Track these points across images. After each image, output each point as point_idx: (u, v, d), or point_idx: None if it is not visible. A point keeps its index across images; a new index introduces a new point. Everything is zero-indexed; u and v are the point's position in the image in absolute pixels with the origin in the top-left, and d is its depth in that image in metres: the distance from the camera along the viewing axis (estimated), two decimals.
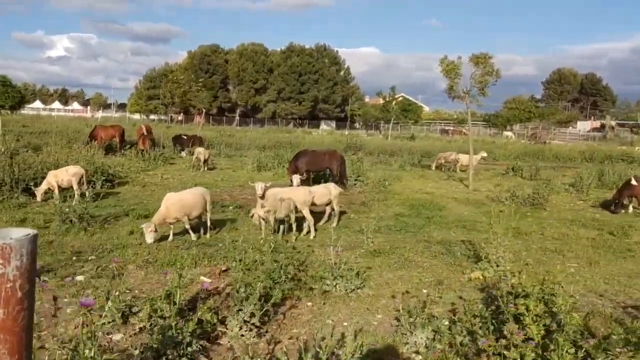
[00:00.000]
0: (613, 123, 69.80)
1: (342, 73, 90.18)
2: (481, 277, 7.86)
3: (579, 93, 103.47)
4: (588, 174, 19.18)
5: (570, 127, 76.53)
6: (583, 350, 4.32)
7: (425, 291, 7.35)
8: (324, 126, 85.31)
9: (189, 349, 4.80)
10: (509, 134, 62.66)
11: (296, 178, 12.78)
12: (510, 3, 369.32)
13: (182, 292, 6.59)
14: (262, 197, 9.49)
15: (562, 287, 5.31)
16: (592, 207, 15.37)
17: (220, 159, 26.02)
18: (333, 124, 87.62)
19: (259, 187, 9.46)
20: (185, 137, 26.35)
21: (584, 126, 77.93)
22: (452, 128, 71.36)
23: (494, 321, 5.40)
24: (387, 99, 54.53)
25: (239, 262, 7.11)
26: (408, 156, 29.13)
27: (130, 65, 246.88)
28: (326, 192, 11.40)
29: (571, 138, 63.01)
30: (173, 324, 4.85)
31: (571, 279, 8.18)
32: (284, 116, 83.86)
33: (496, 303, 5.83)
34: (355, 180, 17.22)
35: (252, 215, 9.90)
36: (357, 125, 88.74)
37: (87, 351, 3.34)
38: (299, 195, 10.40)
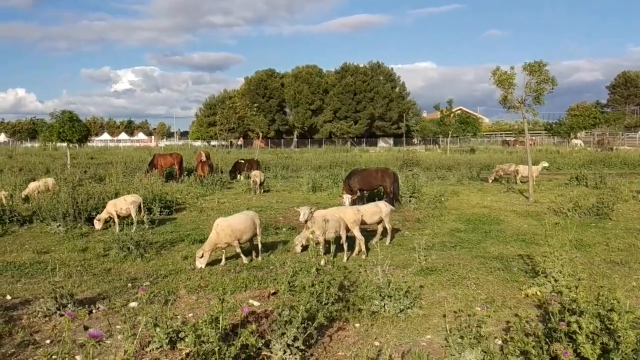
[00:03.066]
0: None
1: (397, 89, 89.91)
2: (538, 293, 7.53)
3: None
4: None
5: None
6: None
7: (478, 309, 7.10)
8: (381, 143, 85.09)
9: None
10: (578, 142, 60.42)
11: (347, 198, 12.71)
12: (571, 7, 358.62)
13: (230, 316, 6.67)
14: (306, 222, 9.42)
15: (619, 302, 4.99)
16: None
17: (277, 181, 26.30)
18: (391, 140, 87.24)
19: (303, 213, 9.39)
20: (242, 162, 26.83)
21: None
22: (513, 139, 69.52)
23: (547, 340, 5.13)
24: (444, 113, 53.79)
25: (287, 285, 7.11)
26: (466, 170, 28.50)
27: (191, 94, 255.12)
28: (377, 210, 11.29)
29: None
30: (216, 349, 4.87)
31: (637, 292, 7.74)
32: (341, 136, 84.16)
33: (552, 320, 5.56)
34: (410, 196, 16.97)
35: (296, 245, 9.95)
36: (415, 140, 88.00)
37: None
38: (347, 214, 10.34)
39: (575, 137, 60.68)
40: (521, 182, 23.07)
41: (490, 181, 24.29)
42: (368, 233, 11.88)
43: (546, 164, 23.90)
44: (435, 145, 74.46)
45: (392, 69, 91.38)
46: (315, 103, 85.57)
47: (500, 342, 5.88)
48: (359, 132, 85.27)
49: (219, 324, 5.39)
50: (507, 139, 72.93)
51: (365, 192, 17.13)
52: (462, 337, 5.25)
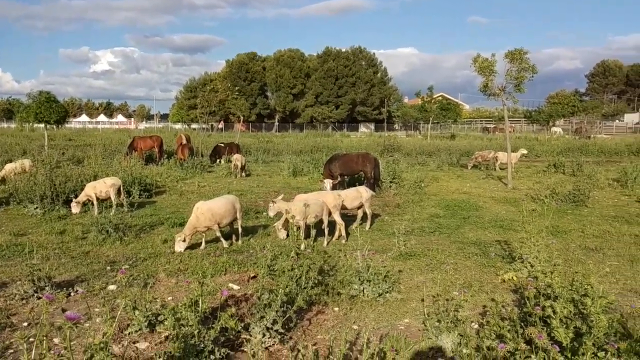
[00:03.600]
0: None
1: (379, 75, 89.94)
2: (515, 279, 7.66)
3: (624, 85, 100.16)
4: (633, 168, 18.51)
5: (617, 120, 74.14)
6: (611, 353, 4.13)
7: (456, 294, 7.20)
8: (362, 129, 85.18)
9: (212, 356, 4.82)
10: (557, 129, 61.10)
11: (328, 182, 12.73)
12: None
13: (210, 299, 6.68)
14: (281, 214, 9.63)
15: (593, 287, 5.10)
16: (638, 202, 14.82)
17: (258, 166, 26.24)
18: (372, 126, 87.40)
19: (272, 208, 9.74)
20: (222, 146, 26.67)
21: (631, 119, 75.39)
22: (493, 126, 70.08)
23: (522, 324, 5.23)
24: (425, 99, 53.99)
25: (266, 268, 7.13)
26: (446, 156, 28.70)
27: (171, 76, 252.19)
28: (357, 195, 11.33)
29: (618, 131, 61.03)
30: (195, 332, 4.88)
31: (610, 278, 7.92)
32: (322, 120, 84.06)
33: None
34: (390, 182, 17.06)
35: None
36: (396, 126, 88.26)
37: None
38: (328, 199, 10.36)
39: (554, 125, 61.35)
40: (500, 168, 23.32)
41: (469, 167, 24.51)
42: (348, 218, 11.94)
43: (525, 151, 24.16)
44: (416, 131, 74.74)
45: (374, 54, 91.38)
46: (297, 87, 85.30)
47: (476, 326, 5.98)
48: (341, 116, 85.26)
49: (198, 307, 5.40)
50: (487, 125, 73.45)
51: (346, 177, 17.18)
52: (439, 321, 5.34)
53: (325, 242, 9.99)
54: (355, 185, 14.68)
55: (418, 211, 13.66)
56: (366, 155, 16.89)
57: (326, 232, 10.11)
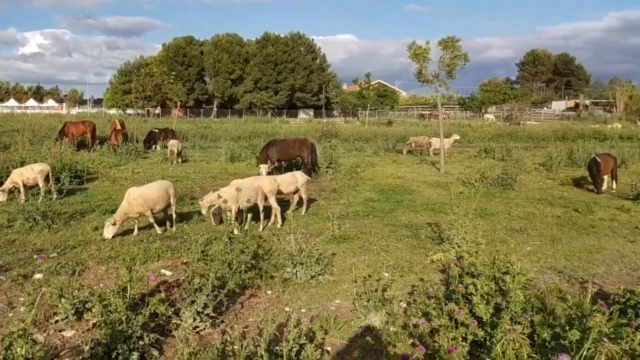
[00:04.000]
0: (587, 102, 70.62)
1: (317, 61, 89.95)
2: (442, 259, 7.94)
3: (553, 73, 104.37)
4: (558, 153, 19.42)
5: (545, 108, 77.33)
6: (525, 326, 4.38)
7: (387, 274, 7.41)
8: (302, 115, 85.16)
9: (140, 342, 4.78)
10: (490, 116, 63.11)
11: (264, 167, 12.73)
12: None
13: (141, 286, 6.61)
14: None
15: (512, 265, 5.36)
16: (561, 186, 15.59)
17: (195, 152, 25.88)
18: (311, 112, 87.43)
19: (202, 208, 9.76)
20: (157, 131, 26.09)
21: (558, 106, 78.83)
22: (428, 112, 71.61)
23: (447, 301, 5.45)
24: (363, 86, 54.54)
25: (200, 254, 7.10)
26: (382, 142, 29.19)
27: (105, 59, 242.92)
28: (293, 180, 11.40)
29: (546, 118, 63.71)
30: (123, 319, 4.82)
31: (532, 257, 8.34)
32: (261, 106, 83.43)
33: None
34: (327, 167, 17.23)
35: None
36: (335, 113, 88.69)
37: (18, 349, 3.31)
38: (264, 184, 10.37)
39: (485, 112, 63.37)
40: (434, 154, 23.93)
41: (404, 153, 25.04)
42: (285, 203, 12.00)
43: (457, 137, 24.90)
44: (354, 117, 75.38)
45: (312, 40, 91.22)
46: (235, 72, 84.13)
47: (405, 305, 6.18)
48: (280, 103, 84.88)
49: (127, 293, 5.34)
50: (423, 112, 74.98)
51: (283, 162, 17.21)
52: (367, 301, 5.49)
53: (261, 227, 10.02)
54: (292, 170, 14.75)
55: (353, 195, 13.87)
56: (303, 141, 16.97)
57: (261, 217, 10.13)
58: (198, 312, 5.30)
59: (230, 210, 8.83)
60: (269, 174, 14.28)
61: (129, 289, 5.24)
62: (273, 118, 71.13)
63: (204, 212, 9.88)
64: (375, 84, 69.57)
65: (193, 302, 5.35)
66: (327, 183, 15.82)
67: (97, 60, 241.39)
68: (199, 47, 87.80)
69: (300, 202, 11.74)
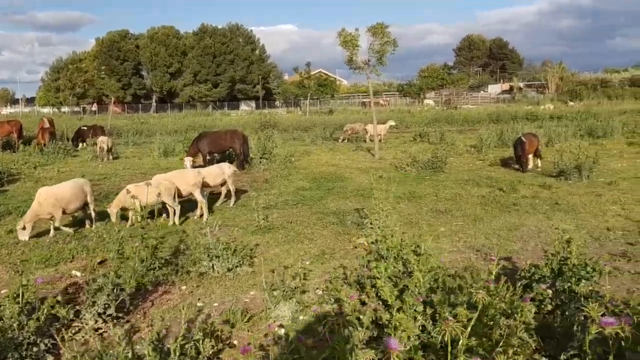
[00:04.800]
0: (520, 84, 72.77)
1: (257, 52, 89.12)
2: (365, 244, 7.91)
3: (488, 58, 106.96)
4: (488, 135, 19.84)
5: (482, 91, 79.24)
6: (428, 306, 4.38)
7: (307, 263, 7.35)
8: (243, 107, 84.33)
9: (34, 348, 4.52)
10: (430, 102, 64.14)
11: (188, 160, 12.43)
12: None
13: (49, 289, 6.31)
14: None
15: (420, 246, 5.35)
16: (490, 166, 15.93)
17: (128, 148, 25.19)
18: (253, 103, 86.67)
19: (112, 215, 9.50)
20: (85, 129, 25.16)
21: (494, 89, 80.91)
22: (369, 100, 72.11)
23: (358, 286, 5.41)
24: (303, 76, 54.41)
25: (115, 252, 6.82)
26: (321, 131, 29.18)
27: (38, 56, 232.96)
28: (220, 172, 11.19)
29: (483, 101, 65.28)
30: (15, 325, 4.55)
31: (453, 237, 8.44)
32: (201, 99, 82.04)
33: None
34: (261, 158, 17.02)
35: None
36: (277, 103, 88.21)
37: None
38: (188, 177, 10.12)
39: (425, 98, 64.43)
40: (370, 140, 24.03)
41: (340, 140, 25.07)
42: (214, 195, 11.78)
43: (393, 123, 25.10)
44: (296, 107, 75.20)
45: (251, 31, 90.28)
46: (173, 66, 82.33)
47: (321, 292, 6.11)
48: (221, 95, 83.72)
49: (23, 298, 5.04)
50: (364, 100, 75.50)
51: (216, 154, 16.91)
52: (274, 290, 5.38)
53: (176, 220, 9.70)
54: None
55: (285, 185, 13.74)
56: (234, 132, 16.71)
57: (177, 210, 9.81)
58: (99, 314, 5.06)
59: (143, 206, 8.52)
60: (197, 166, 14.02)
61: (21, 293, 4.94)
62: (214, 111, 70.12)
63: (113, 219, 9.54)
64: (316, 73, 69.59)
65: (94, 303, 5.10)
66: (260, 174, 15.62)
67: (29, 57, 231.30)
68: (134, 40, 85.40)
69: (228, 194, 11.53)
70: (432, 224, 9.36)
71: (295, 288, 5.42)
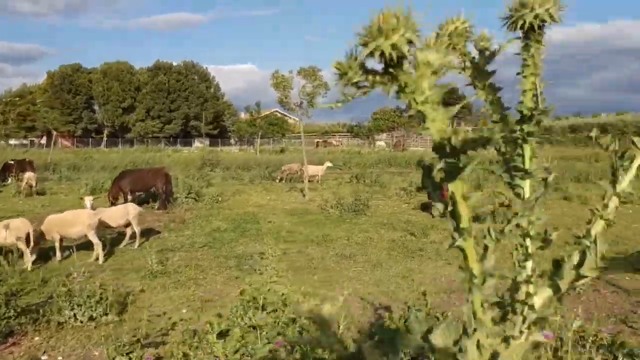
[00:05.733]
0: (468, 128, 74.40)
1: (212, 90, 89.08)
2: (249, 290, 7.66)
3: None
4: (418, 177, 19.98)
5: None
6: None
7: (184, 311, 7.05)
8: (197, 143, 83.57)
9: None
10: (381, 143, 64.89)
11: (87, 200, 12.00)
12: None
13: None
14: None
15: (286, 296, 5.18)
16: (413, 209, 15.95)
17: (60, 183, 24.49)
18: (206, 141, 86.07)
19: None
20: (12, 163, 24.33)
21: None
22: (322, 140, 72.62)
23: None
24: (253, 115, 54.51)
25: None
26: (261, 170, 29.03)
27: None
28: (124, 212, 10.85)
29: (431, 143, 66.39)
30: None
31: (347, 283, 8.26)
32: (154, 135, 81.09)
33: None
34: (186, 197, 16.67)
35: None
36: (232, 141, 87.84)
37: None
38: (82, 218, 9.74)
39: (377, 140, 65.27)
40: (309, 180, 23.95)
41: (277, 180, 24.88)
42: (120, 235, 11.39)
43: (330, 164, 25.03)
44: (250, 145, 75.00)
45: (206, 68, 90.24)
46: (126, 101, 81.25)
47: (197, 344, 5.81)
48: (174, 131, 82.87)
49: None
50: (318, 140, 75.96)
51: (137, 193, 16.48)
52: (118, 345, 5.06)
53: (28, 266, 9.17)
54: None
55: (202, 226, 13.40)
56: (158, 170, 16.39)
57: (58, 254, 9.42)
58: None
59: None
60: (112, 204, 13.64)
61: None
62: (166, 147, 69.32)
63: None
64: (270, 112, 69.81)
65: None
66: (181, 214, 15.21)
67: None
68: (87, 75, 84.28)
69: (133, 236, 11.14)
70: (332, 269, 9.19)
71: (150, 343, 5.11)
